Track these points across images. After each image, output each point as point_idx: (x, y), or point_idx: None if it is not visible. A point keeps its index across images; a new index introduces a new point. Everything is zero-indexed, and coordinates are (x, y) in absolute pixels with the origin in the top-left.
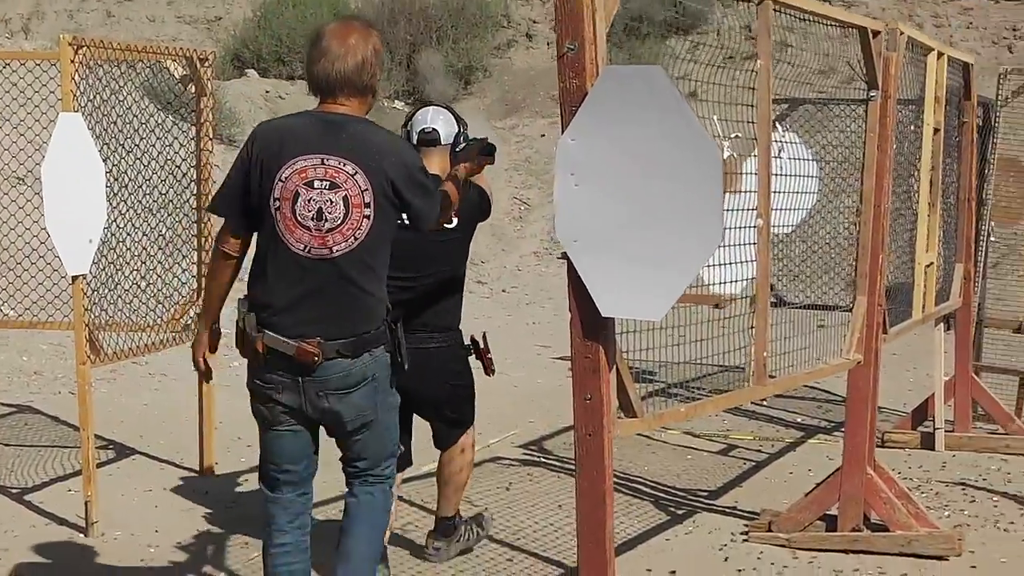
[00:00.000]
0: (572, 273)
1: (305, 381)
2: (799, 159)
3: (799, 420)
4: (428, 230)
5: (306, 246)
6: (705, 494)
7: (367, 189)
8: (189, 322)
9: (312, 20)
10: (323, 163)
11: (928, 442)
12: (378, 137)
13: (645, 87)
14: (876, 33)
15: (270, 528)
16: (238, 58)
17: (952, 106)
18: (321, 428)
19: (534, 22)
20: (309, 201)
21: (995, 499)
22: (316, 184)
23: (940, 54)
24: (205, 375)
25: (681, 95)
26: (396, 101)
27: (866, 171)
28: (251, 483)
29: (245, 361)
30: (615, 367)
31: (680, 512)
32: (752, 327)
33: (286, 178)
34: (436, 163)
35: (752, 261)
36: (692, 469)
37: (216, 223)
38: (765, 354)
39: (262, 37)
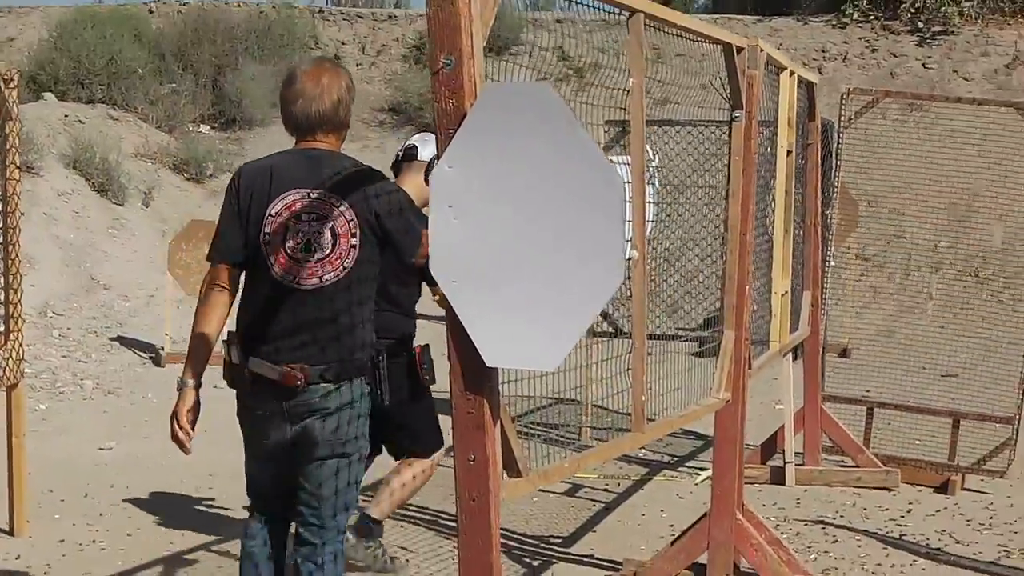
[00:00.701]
0: (451, 317)
1: (288, 405)
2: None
3: (640, 454)
4: (413, 264)
5: (295, 276)
6: (558, 541)
7: (353, 220)
8: None
9: (112, 40)
10: (309, 196)
11: (778, 476)
12: (361, 171)
13: (532, 106)
14: (740, 50)
15: (243, 534)
16: (34, 80)
17: (797, 128)
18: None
19: (342, 43)
20: (298, 233)
21: (857, 538)
22: (304, 217)
23: (791, 72)
24: (183, 445)
25: (572, 113)
26: (202, 125)
27: (731, 196)
28: (68, 546)
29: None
30: (499, 421)
31: (536, 563)
32: (629, 368)
33: (276, 213)
34: (410, 178)
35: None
36: (540, 513)
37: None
38: (644, 398)
39: (59, 58)
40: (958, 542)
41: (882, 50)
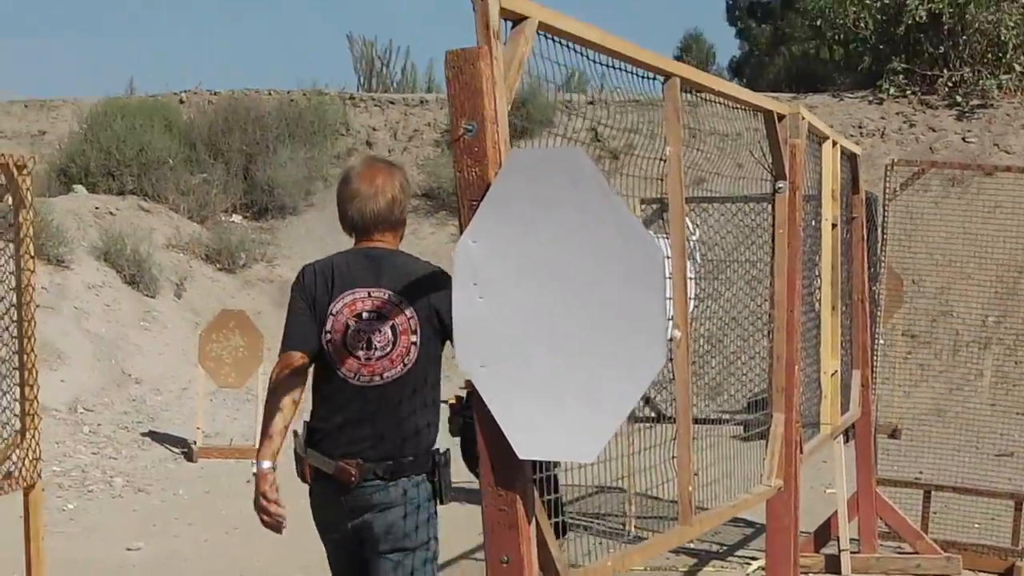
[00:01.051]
0: (480, 406)
1: (346, 499)
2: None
3: (689, 543)
4: None
5: (355, 374)
6: None
7: (413, 317)
8: (12, 469)
9: (142, 131)
10: (370, 295)
11: (834, 565)
12: (420, 268)
13: (563, 173)
14: (782, 117)
15: None
16: (64, 173)
17: (841, 201)
18: None
19: (373, 129)
20: (359, 332)
21: None
22: (365, 315)
23: (834, 143)
24: (279, 525)
25: (605, 179)
26: (234, 215)
27: (776, 272)
28: None
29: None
30: (535, 519)
31: None
32: (674, 456)
33: (336, 312)
34: None
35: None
36: None
37: None
38: (690, 488)
39: (90, 150)
40: None
41: (920, 125)
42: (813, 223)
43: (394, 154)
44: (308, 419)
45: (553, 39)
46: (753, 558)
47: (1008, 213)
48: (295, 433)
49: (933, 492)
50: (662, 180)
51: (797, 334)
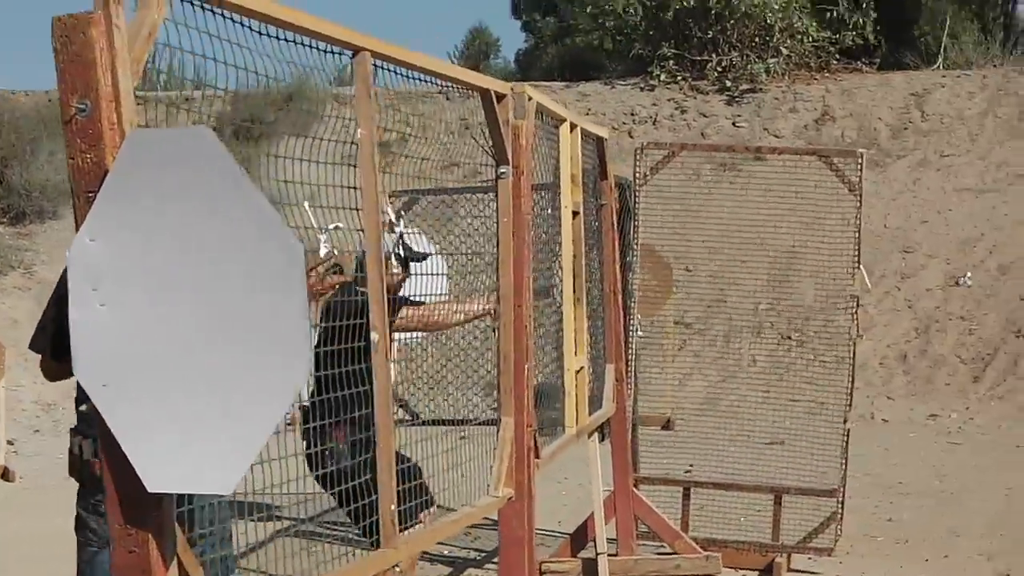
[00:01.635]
0: (104, 431)
1: None
2: (423, 255)
3: (445, 551)
4: None
5: None
6: None
7: None
8: None
9: None
10: None
11: (591, 570)
12: None
13: (188, 158)
14: (501, 97)
15: None
16: None
17: (588, 188)
18: None
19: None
20: None
21: None
22: None
23: (573, 125)
24: None
25: (238, 166)
26: None
27: (501, 264)
28: None
29: None
30: (175, 561)
31: None
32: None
33: None
34: None
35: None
36: None
37: None
38: (392, 507)
39: None
40: None
41: (692, 111)
42: (550, 211)
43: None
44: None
45: (204, 6)
46: None
47: (779, 197)
48: (72, 434)
49: (693, 489)
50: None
51: (527, 331)
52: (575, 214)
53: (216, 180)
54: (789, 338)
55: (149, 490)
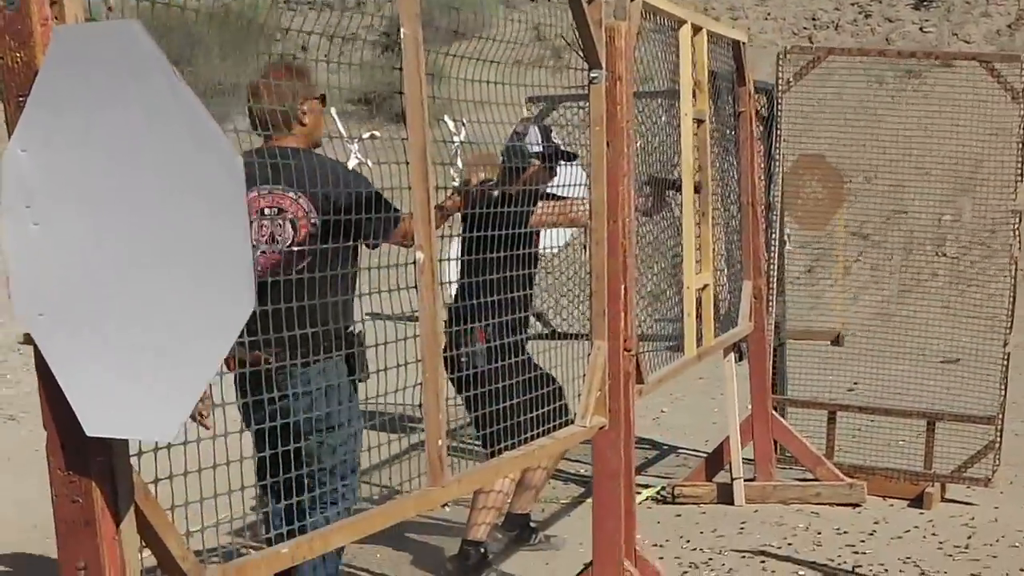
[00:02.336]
0: (41, 365)
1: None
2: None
3: (582, 470)
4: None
5: (263, 267)
6: None
7: (311, 211)
8: None
9: None
10: (270, 192)
11: (726, 495)
12: (318, 165)
13: (118, 57)
14: None
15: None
16: None
17: (726, 94)
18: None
19: (309, 34)
20: (261, 227)
21: (800, 572)
22: (266, 212)
23: (697, 28)
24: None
25: (171, 67)
26: None
27: (594, 177)
28: None
29: None
30: (131, 512)
31: None
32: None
33: (258, 201)
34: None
35: None
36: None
37: None
38: (440, 442)
39: None
40: (923, 573)
41: (876, 15)
42: (664, 119)
43: (331, 57)
44: None
45: None
46: (647, 485)
47: (965, 106)
48: None
49: (839, 413)
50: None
51: (624, 247)
52: (699, 122)
53: (148, 84)
54: (973, 251)
55: (88, 434)
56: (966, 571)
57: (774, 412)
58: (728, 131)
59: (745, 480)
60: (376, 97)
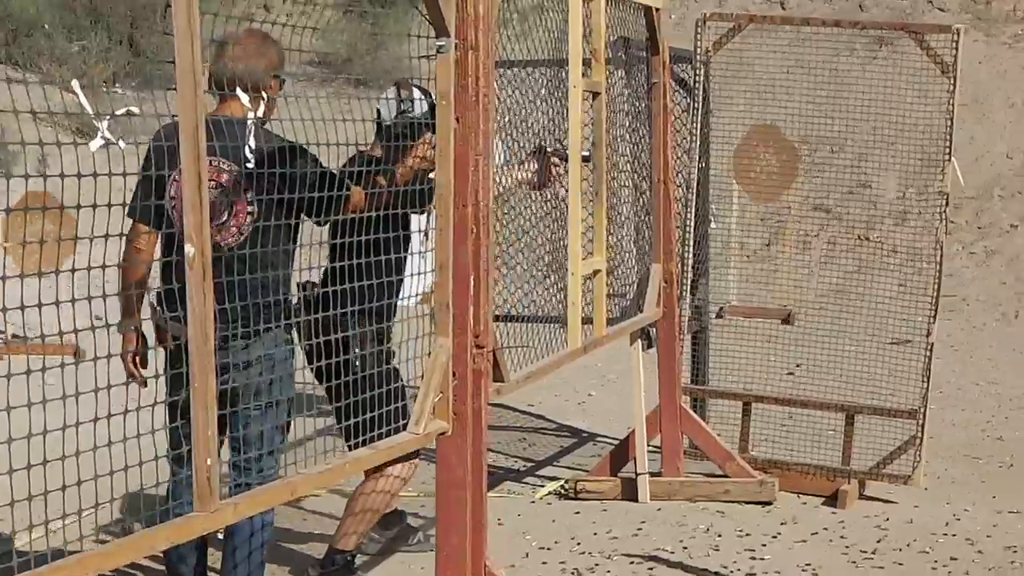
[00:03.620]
0: None
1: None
2: None
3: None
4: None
5: None
6: None
7: (248, 189)
8: None
9: None
10: (210, 164)
11: (631, 491)
12: (264, 139)
13: None
14: None
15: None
16: None
17: (640, 64)
18: None
19: None
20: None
21: None
22: (211, 184)
23: None
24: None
25: None
26: (116, 85)
27: (440, 158)
28: None
29: None
30: None
31: None
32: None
33: (178, 179)
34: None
35: None
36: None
37: None
38: (209, 461)
39: None
40: None
41: None
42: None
43: (291, 18)
44: (162, 285)
45: None
46: (555, 477)
47: (931, 75)
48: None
49: (754, 404)
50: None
51: (480, 234)
52: (595, 95)
53: None
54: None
55: None
56: None
57: (683, 404)
58: (643, 104)
59: (651, 475)
60: (336, 59)
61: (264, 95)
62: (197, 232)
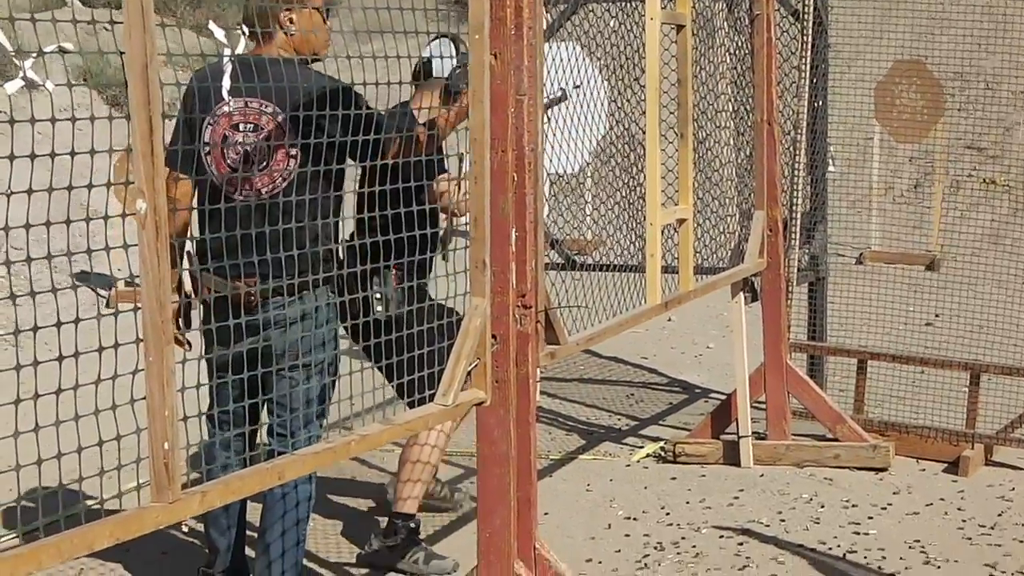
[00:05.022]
0: None
1: (246, 319)
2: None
3: (584, 419)
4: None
5: (236, 189)
6: None
7: (290, 130)
8: None
9: None
10: (247, 106)
11: (733, 455)
12: (302, 77)
13: None
14: None
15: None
16: None
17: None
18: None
19: None
20: (236, 144)
21: (779, 558)
22: (241, 127)
23: None
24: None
25: None
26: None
27: (474, 97)
28: None
29: None
30: None
31: None
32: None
33: (214, 122)
34: (425, 101)
35: None
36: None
37: None
38: (166, 445)
39: None
40: (928, 562)
41: None
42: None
43: None
44: (197, 239)
45: None
46: (658, 438)
47: None
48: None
49: (870, 361)
50: None
51: (523, 184)
52: (679, 28)
53: None
54: None
55: None
56: (980, 560)
57: (790, 362)
58: (744, 40)
59: (756, 438)
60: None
61: (290, 31)
62: (148, 185)
